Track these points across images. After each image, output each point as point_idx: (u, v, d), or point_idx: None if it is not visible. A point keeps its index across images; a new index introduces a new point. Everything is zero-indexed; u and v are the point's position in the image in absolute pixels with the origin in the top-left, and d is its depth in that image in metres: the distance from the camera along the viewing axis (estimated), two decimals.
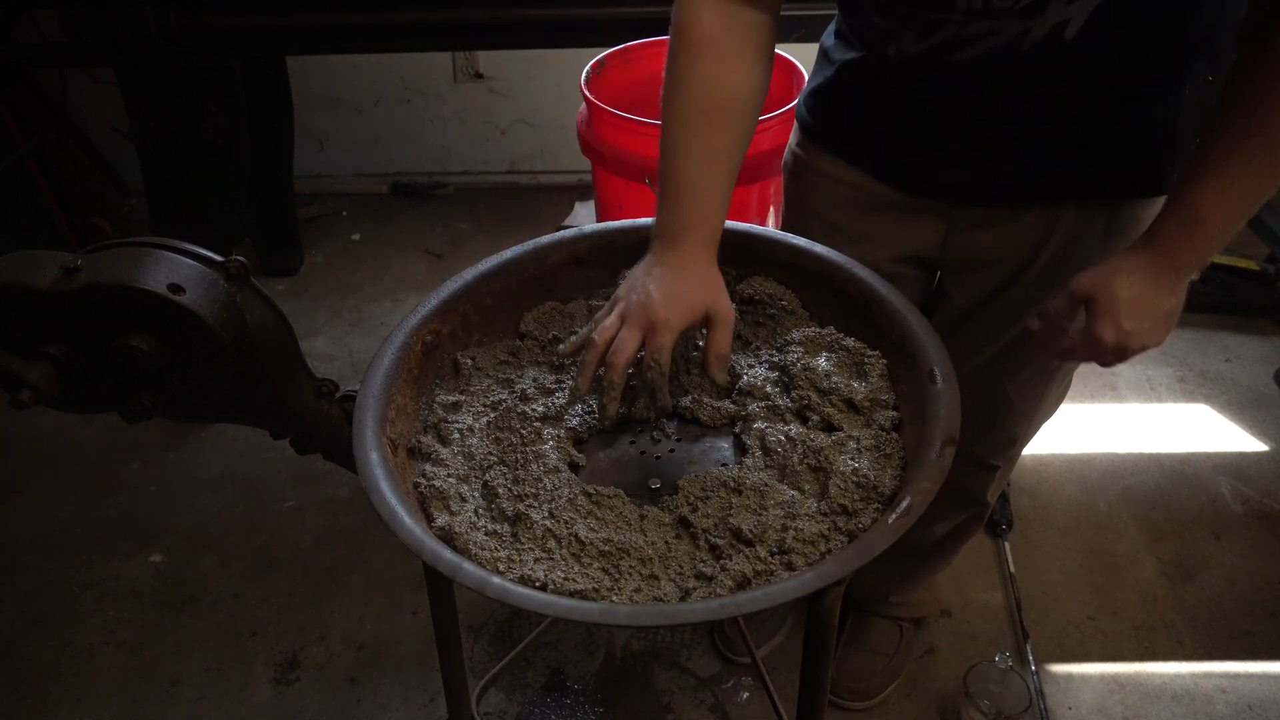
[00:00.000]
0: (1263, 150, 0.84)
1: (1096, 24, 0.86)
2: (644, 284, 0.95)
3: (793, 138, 1.22)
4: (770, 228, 1.12)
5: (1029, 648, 1.66)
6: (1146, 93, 0.95)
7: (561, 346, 1.01)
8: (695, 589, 0.82)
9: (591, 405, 1.00)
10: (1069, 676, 1.66)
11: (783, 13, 1.02)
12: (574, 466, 0.95)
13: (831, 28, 1.12)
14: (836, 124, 1.13)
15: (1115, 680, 1.65)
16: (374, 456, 0.85)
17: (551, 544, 0.85)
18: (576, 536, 0.85)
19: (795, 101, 1.24)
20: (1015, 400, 1.21)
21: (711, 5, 0.95)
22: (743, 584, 0.81)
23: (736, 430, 0.98)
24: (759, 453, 0.94)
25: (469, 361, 1.04)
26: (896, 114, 1.04)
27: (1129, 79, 0.93)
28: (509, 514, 0.88)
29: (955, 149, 1.02)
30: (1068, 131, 0.97)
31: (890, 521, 0.79)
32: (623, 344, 0.93)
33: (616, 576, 0.82)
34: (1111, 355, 0.94)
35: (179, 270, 0.81)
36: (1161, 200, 0.93)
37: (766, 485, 0.88)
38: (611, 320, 0.95)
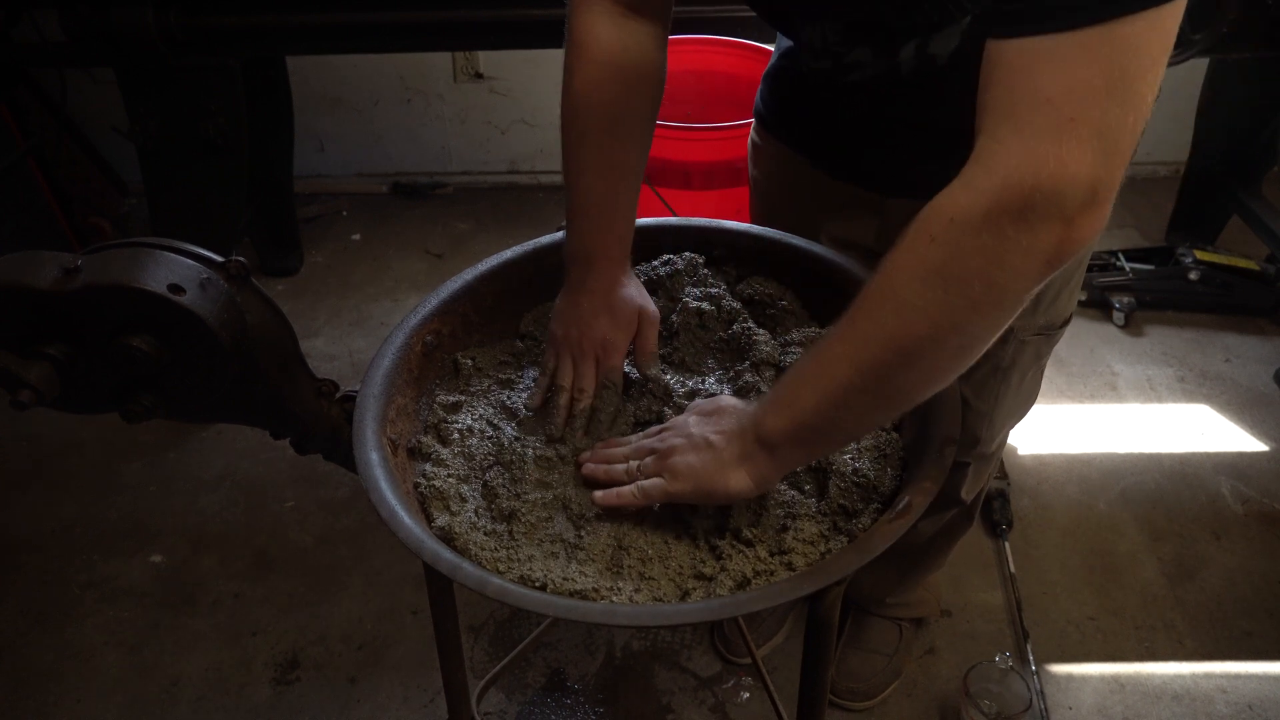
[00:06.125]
0: (850, 320, 0.75)
1: (967, 50, 0.86)
2: (575, 315, 0.99)
3: (753, 125, 1.26)
4: (771, 228, 1.13)
5: (1029, 648, 1.66)
6: None
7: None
8: (695, 589, 0.82)
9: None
10: (1069, 676, 1.66)
11: None
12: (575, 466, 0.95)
13: None
14: (782, 110, 1.17)
15: (1115, 680, 1.65)
16: (374, 456, 0.85)
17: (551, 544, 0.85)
18: (576, 537, 0.85)
19: None
20: (972, 400, 1.21)
21: (607, 22, 0.94)
22: (743, 584, 0.81)
23: None
24: None
25: (469, 362, 1.04)
26: (823, 108, 1.08)
27: None
28: (509, 514, 0.88)
29: (872, 145, 1.05)
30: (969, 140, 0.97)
31: (890, 521, 0.79)
32: (583, 379, 0.99)
33: (616, 576, 0.82)
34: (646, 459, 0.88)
35: (179, 270, 0.81)
36: None
37: None
38: (563, 362, 1.00)
